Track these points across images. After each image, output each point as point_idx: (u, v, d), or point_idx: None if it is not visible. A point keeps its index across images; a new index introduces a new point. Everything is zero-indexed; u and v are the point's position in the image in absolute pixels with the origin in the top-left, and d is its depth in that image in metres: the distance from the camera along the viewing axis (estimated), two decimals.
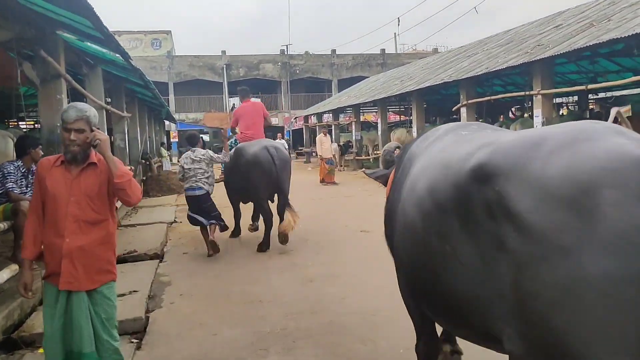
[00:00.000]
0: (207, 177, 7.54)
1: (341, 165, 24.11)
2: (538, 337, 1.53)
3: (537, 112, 11.75)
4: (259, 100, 40.87)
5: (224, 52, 38.74)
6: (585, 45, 9.67)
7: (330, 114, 29.73)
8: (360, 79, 37.42)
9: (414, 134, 17.50)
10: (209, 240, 7.37)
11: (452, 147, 2.18)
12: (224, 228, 7.78)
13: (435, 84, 15.15)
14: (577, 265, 1.41)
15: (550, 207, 1.49)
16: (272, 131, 42.04)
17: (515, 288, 1.58)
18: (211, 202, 7.59)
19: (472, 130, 2.40)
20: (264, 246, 7.58)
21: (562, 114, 22.62)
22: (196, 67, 38.17)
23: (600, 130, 1.63)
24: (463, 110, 14.72)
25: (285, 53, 39.69)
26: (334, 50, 40.42)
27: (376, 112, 25.53)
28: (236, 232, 8.65)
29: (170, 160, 36.35)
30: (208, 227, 7.46)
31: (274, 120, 38.44)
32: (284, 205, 7.76)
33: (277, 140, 9.58)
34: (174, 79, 37.76)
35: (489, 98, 13.84)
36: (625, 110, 12.99)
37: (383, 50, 41.63)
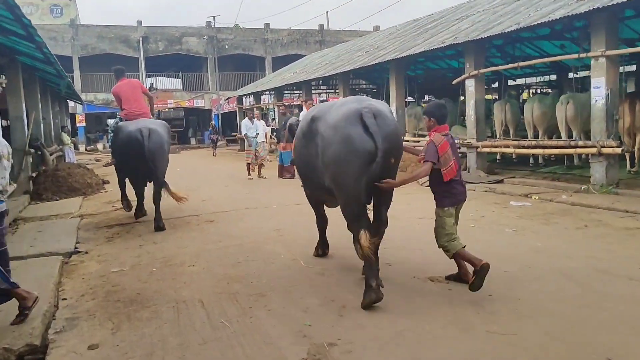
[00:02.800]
0: None
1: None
2: (329, 177, 4.39)
3: (599, 82, 8.57)
4: (179, 79, 36.09)
5: (139, 22, 33.35)
6: None
7: (270, 94, 25.83)
8: (296, 57, 33.52)
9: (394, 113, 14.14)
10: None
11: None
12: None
13: (433, 47, 11.65)
14: (330, 149, 4.25)
15: (326, 130, 4.31)
16: (196, 114, 37.31)
17: (322, 160, 4.40)
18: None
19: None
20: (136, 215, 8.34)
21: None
22: (106, 39, 32.52)
23: (349, 99, 4.67)
24: (470, 84, 11.37)
25: (212, 26, 34.87)
26: (267, 25, 36.12)
27: (333, 91, 21.79)
28: (139, 211, 8.50)
29: (76, 148, 30.68)
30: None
31: (200, 103, 33.81)
32: (157, 192, 7.70)
33: (157, 120, 8.67)
34: (79, 52, 31.93)
35: (514, 65, 10.50)
36: None
37: (321, 26, 37.92)
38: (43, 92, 16.32)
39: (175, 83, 35.97)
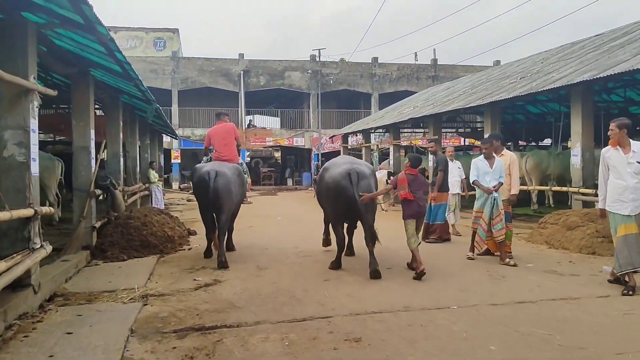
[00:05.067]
0: None
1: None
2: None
3: None
4: (277, 118, 33.86)
5: (241, 55, 31.66)
6: None
7: (359, 135, 22.84)
8: (405, 94, 30.19)
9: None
10: None
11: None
12: None
13: (574, 82, 7.69)
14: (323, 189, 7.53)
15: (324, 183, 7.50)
16: (294, 154, 34.81)
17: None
18: None
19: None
20: (206, 253, 8.34)
21: None
22: (207, 72, 31.01)
23: (341, 160, 7.85)
24: None
25: (317, 60, 32.50)
26: (375, 59, 33.17)
27: (454, 131, 17.91)
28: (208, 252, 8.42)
29: (168, 185, 28.72)
30: None
31: (300, 141, 31.23)
32: (221, 229, 7.91)
33: (230, 164, 8.40)
34: (178, 85, 30.59)
35: None
36: None
37: (434, 60, 34.38)
38: (130, 122, 13.95)
39: (274, 121, 33.77)
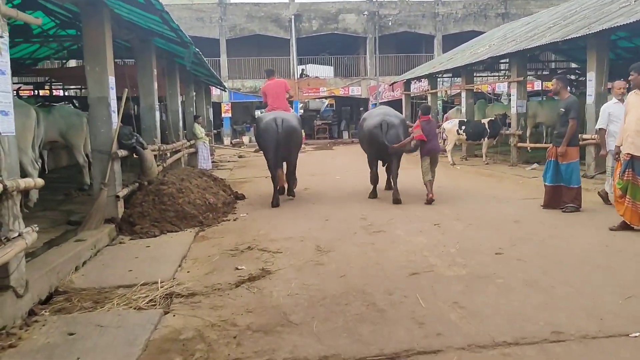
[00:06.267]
0: None
1: (486, 156, 14.45)
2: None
3: None
4: (331, 67, 31.55)
5: None
6: None
7: (423, 81, 20.47)
8: (471, 35, 27.06)
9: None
10: None
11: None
12: None
13: None
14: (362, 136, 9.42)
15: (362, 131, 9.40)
16: (349, 104, 32.65)
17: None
18: None
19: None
20: (273, 201, 8.56)
21: None
22: (256, 18, 28.95)
23: (376, 112, 9.59)
24: None
25: (373, 0, 29.72)
26: None
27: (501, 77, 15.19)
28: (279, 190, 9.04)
29: (220, 141, 27.20)
30: None
31: (356, 91, 29.10)
32: (291, 173, 9.22)
33: (289, 112, 9.43)
34: (226, 34, 28.75)
35: None
36: None
37: None
38: (169, 71, 12.37)
39: (328, 70, 31.51)
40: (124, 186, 7.26)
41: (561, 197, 7.39)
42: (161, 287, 4.52)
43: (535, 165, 12.53)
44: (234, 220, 7.64)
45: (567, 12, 15.35)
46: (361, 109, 29.89)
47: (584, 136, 10.15)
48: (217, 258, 5.53)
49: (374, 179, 9.17)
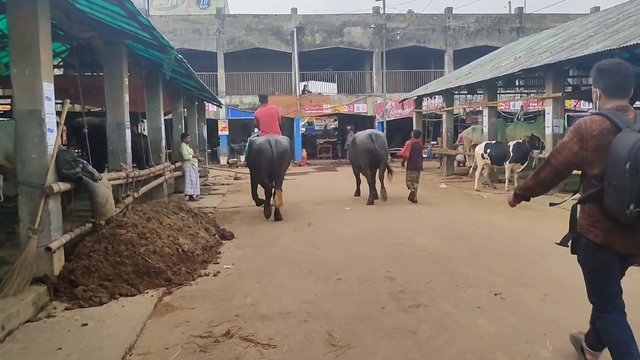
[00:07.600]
0: None
1: (509, 182, 12.66)
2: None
3: None
4: (334, 83, 29.82)
5: (294, 10, 27.72)
6: None
7: (436, 98, 18.66)
8: (484, 50, 25.39)
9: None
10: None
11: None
12: None
13: None
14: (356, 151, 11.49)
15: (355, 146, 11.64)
16: (353, 122, 30.79)
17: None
18: None
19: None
20: (266, 213, 9.47)
21: None
22: (256, 30, 27.27)
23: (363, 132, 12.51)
24: None
25: (381, 12, 28.07)
26: (449, 9, 28.34)
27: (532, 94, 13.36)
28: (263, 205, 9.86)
29: (216, 160, 25.27)
30: None
31: (361, 108, 27.40)
32: (277, 187, 9.35)
33: (280, 136, 9.78)
34: (224, 47, 27.03)
35: None
36: None
37: (520, 9, 29.24)
38: (151, 82, 10.56)
39: (331, 87, 29.70)
40: (67, 231, 5.39)
41: None
42: None
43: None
44: (215, 274, 5.74)
45: (605, 20, 13.61)
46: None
47: None
48: (178, 354, 3.64)
49: (372, 183, 11.04)
